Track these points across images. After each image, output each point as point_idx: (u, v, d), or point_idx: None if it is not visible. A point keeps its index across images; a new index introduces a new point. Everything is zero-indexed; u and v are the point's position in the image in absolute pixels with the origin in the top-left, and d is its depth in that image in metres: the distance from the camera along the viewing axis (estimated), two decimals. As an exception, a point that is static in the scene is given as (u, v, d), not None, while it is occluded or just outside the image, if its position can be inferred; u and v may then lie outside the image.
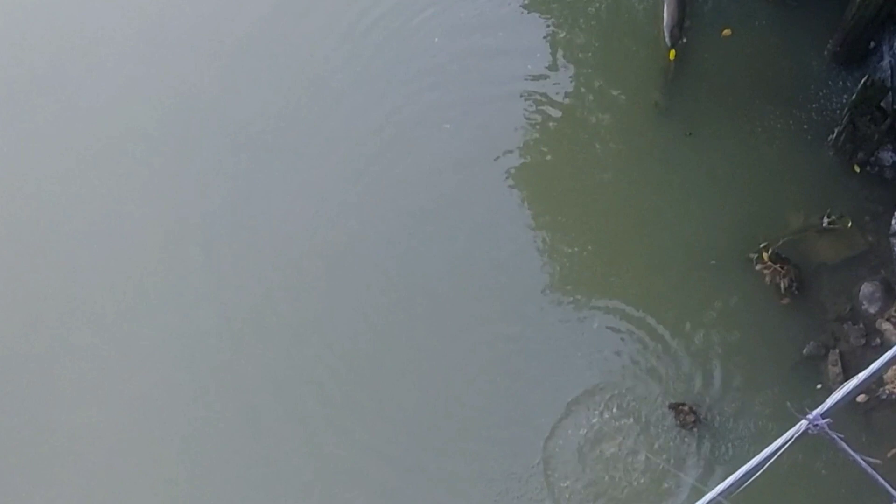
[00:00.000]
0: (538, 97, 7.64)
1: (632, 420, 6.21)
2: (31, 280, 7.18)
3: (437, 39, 7.97)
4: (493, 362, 6.52)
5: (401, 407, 6.44)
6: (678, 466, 6.02)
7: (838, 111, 7.02)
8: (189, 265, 7.11)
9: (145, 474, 6.41)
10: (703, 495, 2.79)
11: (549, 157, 7.44)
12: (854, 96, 6.59)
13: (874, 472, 2.72)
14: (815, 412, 2.79)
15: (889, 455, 5.85)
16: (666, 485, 6.02)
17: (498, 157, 7.34)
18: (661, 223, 6.96)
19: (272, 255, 7.06)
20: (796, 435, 2.76)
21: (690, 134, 7.23)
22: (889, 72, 6.81)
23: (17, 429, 6.64)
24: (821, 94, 7.20)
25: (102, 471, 6.45)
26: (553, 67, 7.77)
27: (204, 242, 7.18)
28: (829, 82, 7.24)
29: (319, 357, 6.65)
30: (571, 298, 6.73)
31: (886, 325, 6.30)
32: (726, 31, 7.64)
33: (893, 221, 6.45)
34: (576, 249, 7.01)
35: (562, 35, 8.01)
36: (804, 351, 6.32)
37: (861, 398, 6.04)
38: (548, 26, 8.07)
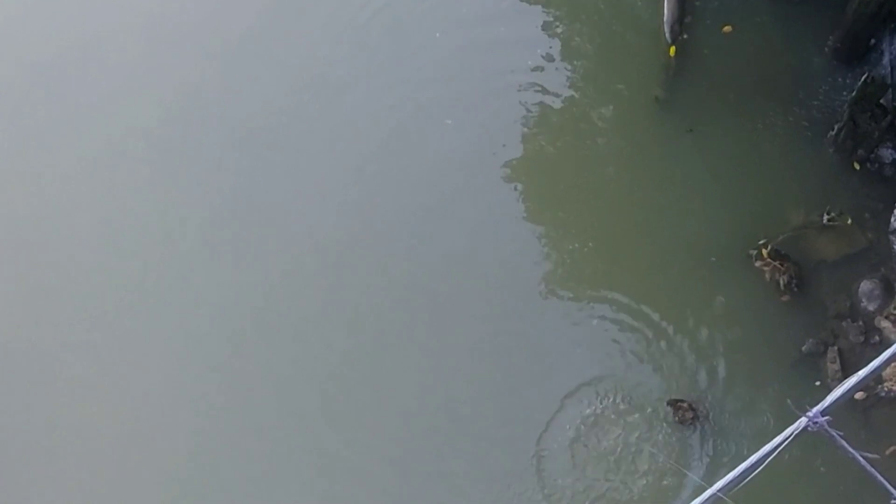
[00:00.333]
0: (539, 93, 7.64)
1: (631, 416, 6.22)
2: (33, 277, 7.19)
3: (438, 34, 7.97)
4: (493, 359, 6.52)
5: (401, 405, 6.44)
6: (677, 463, 6.03)
7: (838, 108, 7.01)
8: (190, 263, 7.10)
9: (147, 471, 6.42)
10: (702, 492, 2.79)
11: (549, 153, 7.44)
12: (854, 93, 6.59)
13: (873, 469, 2.73)
14: (814, 409, 2.79)
15: (888, 452, 5.85)
16: (665, 482, 6.03)
17: (498, 153, 7.33)
18: (662, 219, 6.96)
19: (273, 253, 7.07)
20: (796, 432, 2.77)
21: (691, 130, 7.23)
22: (889, 69, 6.81)
23: (19, 425, 6.65)
24: (821, 90, 7.20)
25: (103, 468, 6.46)
26: (554, 63, 7.77)
27: (204, 240, 7.18)
28: (830, 79, 7.23)
29: (319, 356, 6.65)
30: (571, 295, 6.73)
31: (885, 323, 6.30)
32: (727, 28, 7.63)
33: (893, 219, 6.44)
34: (576, 245, 7.01)
35: (563, 31, 8.01)
36: (803, 348, 6.32)
37: (860, 395, 6.04)
38: (549, 22, 8.06)
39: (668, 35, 7.56)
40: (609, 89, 7.67)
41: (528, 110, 7.57)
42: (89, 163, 7.58)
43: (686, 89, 7.46)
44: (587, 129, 7.51)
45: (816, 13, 7.45)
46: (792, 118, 7.17)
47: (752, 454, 2.89)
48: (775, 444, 2.79)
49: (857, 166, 6.84)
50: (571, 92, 7.67)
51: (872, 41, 6.99)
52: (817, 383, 6.22)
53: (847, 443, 2.69)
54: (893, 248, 6.44)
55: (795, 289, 6.45)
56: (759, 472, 2.87)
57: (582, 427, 6.20)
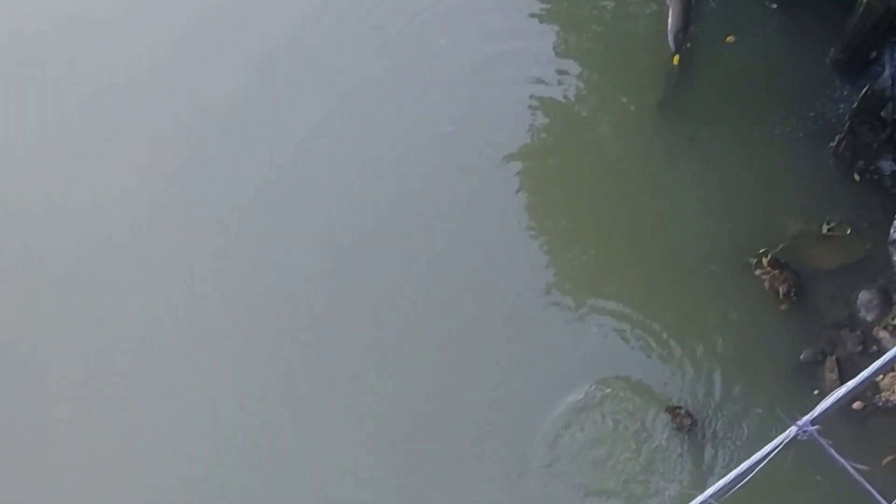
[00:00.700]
0: (541, 100, 7.69)
1: (628, 422, 6.24)
2: (31, 276, 7.26)
3: (442, 41, 8.03)
4: (492, 366, 6.54)
5: (400, 411, 6.46)
6: (673, 469, 6.07)
7: (839, 119, 7.06)
8: (189, 265, 7.16)
9: (145, 471, 6.48)
10: (692, 498, 2.84)
11: (550, 161, 7.49)
12: (855, 105, 6.64)
13: (861, 479, 2.77)
14: (805, 418, 2.84)
15: (884, 462, 5.87)
16: (660, 487, 6.06)
17: (499, 161, 7.37)
18: (662, 227, 7.00)
19: (275, 256, 7.11)
20: (786, 440, 2.81)
21: (693, 139, 7.27)
22: (890, 82, 6.85)
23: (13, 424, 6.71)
24: (822, 102, 7.24)
25: (102, 467, 6.51)
26: (557, 72, 7.81)
27: (205, 246, 7.25)
28: (831, 91, 7.27)
29: (318, 360, 6.68)
30: (571, 302, 6.76)
31: (883, 334, 6.33)
32: (730, 38, 7.68)
33: (892, 230, 6.48)
34: (577, 253, 7.05)
35: (566, 40, 8.06)
36: (801, 357, 6.35)
37: (857, 405, 6.07)
38: (552, 30, 8.11)
39: (671, 44, 7.61)
40: (612, 98, 7.71)
41: (531, 118, 7.61)
42: (88, 163, 7.68)
43: (688, 98, 7.50)
44: (589, 137, 7.56)
45: (818, 25, 7.49)
46: (793, 128, 7.21)
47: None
48: (766, 452, 2.83)
49: (857, 177, 6.88)
50: (574, 100, 7.72)
51: (873, 54, 7.03)
52: (815, 392, 6.24)
53: (838, 452, 2.74)
54: (892, 259, 6.48)
55: (794, 297, 6.49)
56: (753, 479, 2.91)
57: (578, 433, 6.22)
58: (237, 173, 7.52)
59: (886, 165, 6.86)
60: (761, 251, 6.64)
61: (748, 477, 2.81)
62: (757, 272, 6.60)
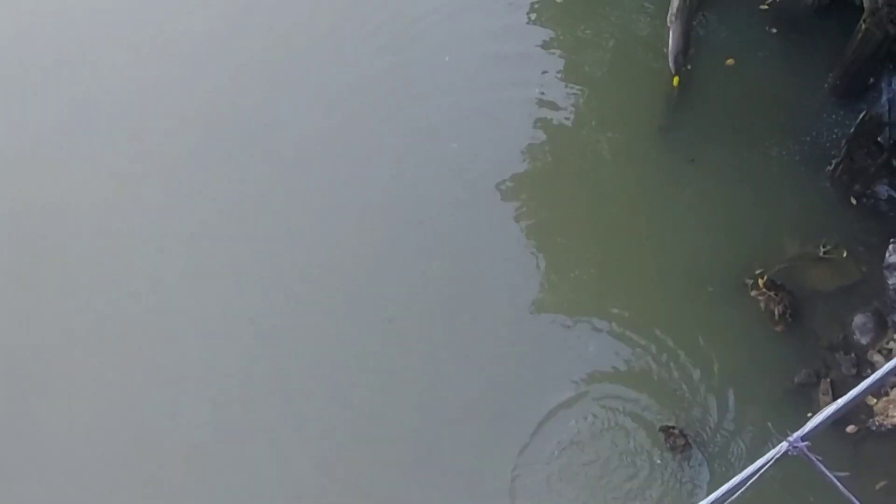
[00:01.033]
0: (543, 120, 7.77)
1: (622, 441, 6.23)
2: (30, 276, 7.27)
3: (447, 58, 8.12)
4: (485, 383, 6.52)
5: (386, 424, 6.45)
6: (666, 489, 6.06)
7: (836, 143, 7.13)
8: (186, 268, 7.20)
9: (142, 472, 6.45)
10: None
11: (551, 180, 7.52)
12: (852, 130, 6.71)
13: (851, 496, 2.79)
14: (795, 434, 2.86)
15: (878, 487, 5.87)
16: (652, 505, 6.06)
17: (501, 179, 7.43)
18: (660, 246, 7.03)
19: (275, 266, 7.14)
20: (777, 456, 2.83)
21: (693, 160, 7.33)
22: (887, 108, 6.92)
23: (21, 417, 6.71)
24: (820, 125, 7.32)
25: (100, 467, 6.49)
26: (558, 92, 7.90)
27: (201, 248, 7.28)
28: (828, 115, 7.35)
29: (311, 371, 6.68)
30: (569, 320, 6.77)
31: (878, 357, 6.35)
32: (730, 61, 7.77)
33: (888, 254, 6.52)
34: (575, 272, 7.08)
35: (569, 61, 8.15)
36: (796, 378, 6.36)
37: (851, 429, 6.07)
38: (556, 51, 8.20)
39: (672, 65, 7.68)
40: (613, 118, 7.78)
41: (533, 137, 7.67)
42: (87, 164, 7.73)
43: (688, 119, 7.57)
44: (590, 157, 7.61)
45: (817, 50, 7.59)
46: (791, 151, 7.27)
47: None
48: (757, 467, 2.86)
49: (853, 201, 6.93)
50: (575, 119, 7.78)
51: (871, 80, 7.11)
52: (809, 414, 6.23)
53: (826, 468, 2.76)
54: (888, 283, 6.51)
55: (790, 319, 6.51)
56: (745, 498, 2.93)
57: (570, 451, 6.21)
58: (233, 180, 7.60)
59: (882, 190, 6.92)
60: (758, 272, 6.68)
61: (740, 491, 2.82)
62: (753, 293, 6.63)
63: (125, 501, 6.32)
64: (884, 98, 6.98)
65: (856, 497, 2.76)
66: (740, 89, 7.65)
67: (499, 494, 6.09)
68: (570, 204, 7.37)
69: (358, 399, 6.50)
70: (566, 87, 7.94)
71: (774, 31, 7.85)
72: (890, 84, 6.97)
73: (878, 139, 6.77)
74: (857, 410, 6.06)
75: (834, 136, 7.22)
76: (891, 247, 6.54)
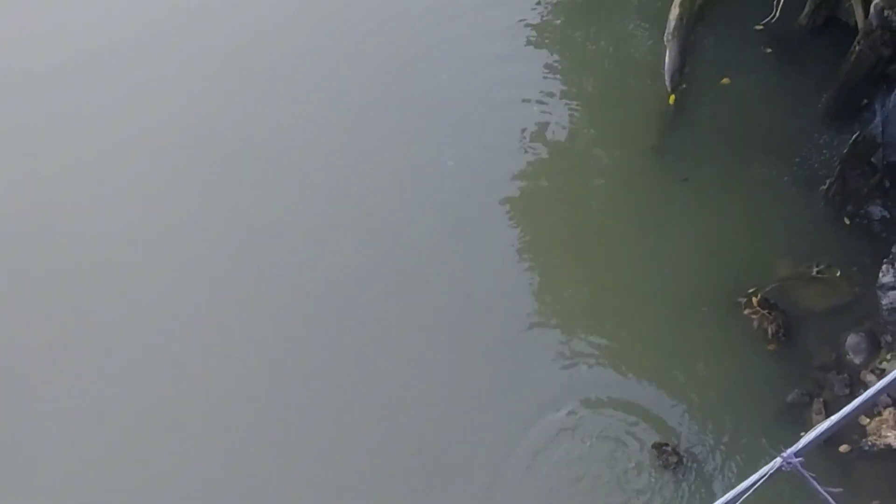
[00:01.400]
0: (538, 138, 7.80)
1: (614, 459, 6.21)
2: (29, 278, 7.28)
3: (444, 76, 8.16)
4: (475, 401, 6.50)
5: (382, 438, 6.44)
6: (658, 505, 6.04)
7: (830, 163, 7.17)
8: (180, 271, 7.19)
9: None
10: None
11: (545, 199, 7.54)
12: (846, 150, 6.75)
13: (844, 512, 2.78)
14: (789, 450, 2.85)
15: (870, 508, 5.87)
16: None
17: (495, 197, 7.44)
18: (654, 265, 7.04)
19: (270, 276, 7.14)
20: (771, 471, 2.82)
21: (687, 179, 7.36)
22: (880, 129, 6.97)
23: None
24: (814, 146, 7.36)
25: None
26: (555, 110, 7.94)
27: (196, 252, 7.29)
28: (822, 135, 7.40)
29: (307, 382, 6.66)
30: (561, 338, 6.76)
31: (870, 377, 6.34)
32: (725, 80, 7.82)
33: (880, 274, 6.54)
34: (568, 292, 7.09)
35: (566, 78, 8.20)
36: (788, 398, 6.36)
37: (844, 449, 6.07)
38: (553, 68, 8.25)
39: (668, 84, 7.74)
40: (608, 136, 7.83)
41: (527, 155, 7.69)
42: (87, 169, 7.75)
43: (683, 138, 7.61)
44: (584, 175, 7.65)
45: (811, 72, 7.66)
46: (785, 171, 7.31)
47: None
48: (751, 482, 2.84)
49: (847, 221, 6.96)
50: (571, 137, 7.82)
51: (864, 101, 7.17)
52: (801, 434, 6.21)
53: (819, 484, 2.75)
54: (881, 303, 6.53)
55: (783, 338, 6.52)
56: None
57: (563, 470, 6.18)
58: (233, 192, 7.60)
59: (875, 211, 6.95)
60: (751, 291, 6.70)
61: (734, 505, 2.81)
62: (746, 311, 6.63)
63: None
64: (877, 119, 7.03)
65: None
66: (735, 108, 7.70)
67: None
68: (563, 223, 7.39)
69: (348, 420, 6.49)
70: (562, 105, 7.98)
71: (769, 51, 7.92)
72: (883, 105, 7.03)
73: (872, 160, 6.82)
74: (850, 430, 6.06)
75: (827, 156, 7.27)
76: (884, 267, 6.56)
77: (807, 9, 7.79)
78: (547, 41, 8.43)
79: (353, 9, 8.65)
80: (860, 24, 6.97)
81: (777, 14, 7.80)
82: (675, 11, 7.84)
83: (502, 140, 7.76)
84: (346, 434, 6.43)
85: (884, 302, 6.50)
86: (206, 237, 7.36)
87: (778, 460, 2.85)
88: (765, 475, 2.81)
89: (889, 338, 6.42)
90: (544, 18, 8.57)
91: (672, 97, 7.68)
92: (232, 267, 7.18)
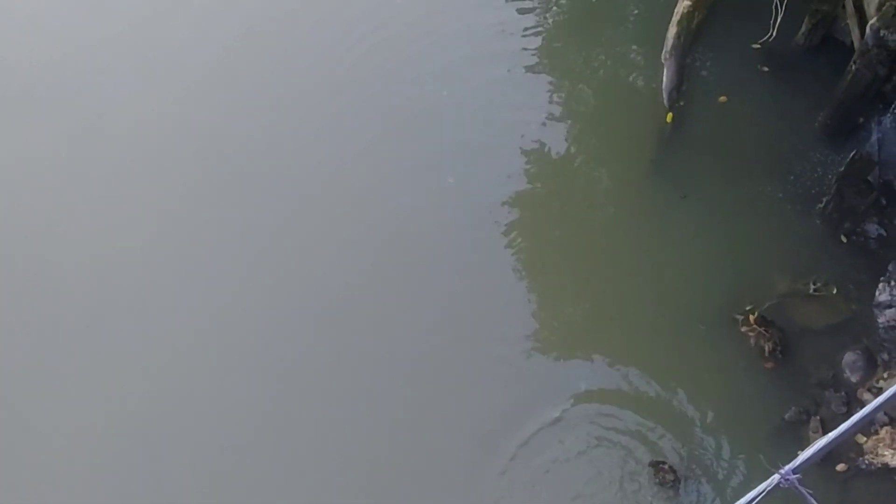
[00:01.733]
0: (537, 155, 7.83)
1: (611, 476, 6.19)
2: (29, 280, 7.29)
3: (445, 93, 8.18)
4: (473, 417, 6.48)
5: (376, 448, 6.43)
6: (656, 523, 6.00)
7: (827, 181, 7.21)
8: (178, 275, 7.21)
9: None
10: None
11: (543, 217, 7.55)
12: (842, 168, 6.78)
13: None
14: (787, 467, 2.86)
15: (866, 525, 5.84)
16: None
17: (495, 215, 7.46)
18: (652, 283, 7.04)
19: (270, 291, 7.14)
20: (769, 488, 2.82)
21: (685, 196, 7.38)
22: (876, 147, 7.01)
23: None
24: (810, 164, 7.39)
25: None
26: (553, 127, 7.98)
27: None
28: (819, 153, 7.43)
29: (304, 395, 6.65)
30: (558, 356, 6.75)
31: (867, 396, 6.33)
32: (722, 98, 7.87)
33: (877, 292, 6.56)
34: (566, 307, 7.08)
35: (564, 96, 8.25)
36: (785, 416, 6.34)
37: (841, 467, 6.04)
38: (552, 86, 8.30)
39: (665, 101, 7.78)
40: (606, 153, 7.85)
41: (527, 171, 7.72)
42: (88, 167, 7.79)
43: (681, 155, 7.64)
44: (583, 192, 7.66)
45: (808, 90, 7.71)
46: (782, 189, 7.33)
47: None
48: (748, 499, 2.84)
49: (844, 239, 6.98)
50: (568, 155, 7.85)
51: (861, 119, 7.22)
52: (798, 452, 6.20)
53: (816, 501, 2.74)
54: (877, 321, 6.54)
55: (780, 355, 6.51)
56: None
57: (559, 486, 6.15)
58: (230, 204, 7.61)
59: (872, 228, 6.98)
60: (748, 308, 6.70)
61: (731, 524, 2.80)
62: (743, 329, 6.64)
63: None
64: (873, 137, 7.07)
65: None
66: (732, 126, 7.74)
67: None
68: (563, 240, 7.40)
69: (348, 430, 6.48)
70: (560, 124, 8.02)
71: (766, 69, 7.97)
72: (879, 123, 7.08)
73: (868, 178, 6.85)
74: (847, 449, 6.04)
75: (824, 174, 7.31)
76: (880, 285, 6.57)
77: (803, 28, 7.86)
78: (546, 63, 8.49)
79: (351, 20, 8.76)
80: (856, 44, 7.03)
81: (774, 33, 7.86)
82: (672, 30, 7.90)
83: (501, 158, 7.78)
84: (338, 434, 6.44)
85: (880, 320, 6.51)
86: (206, 237, 7.39)
87: (776, 477, 2.84)
88: (762, 492, 2.80)
89: (886, 356, 6.41)
90: (544, 41, 8.64)
91: (670, 115, 7.72)
92: (232, 267, 7.20)
